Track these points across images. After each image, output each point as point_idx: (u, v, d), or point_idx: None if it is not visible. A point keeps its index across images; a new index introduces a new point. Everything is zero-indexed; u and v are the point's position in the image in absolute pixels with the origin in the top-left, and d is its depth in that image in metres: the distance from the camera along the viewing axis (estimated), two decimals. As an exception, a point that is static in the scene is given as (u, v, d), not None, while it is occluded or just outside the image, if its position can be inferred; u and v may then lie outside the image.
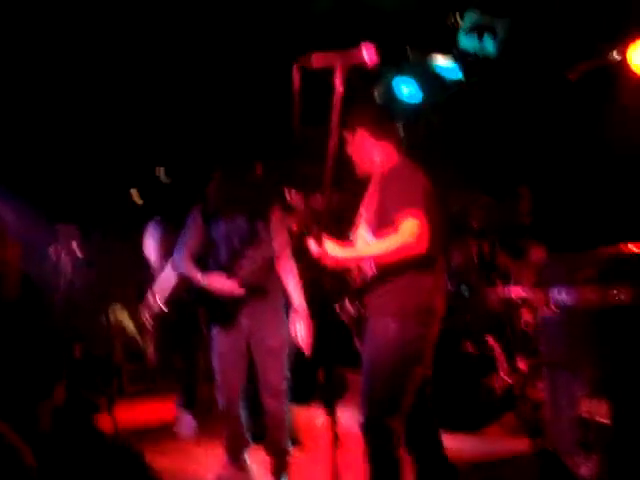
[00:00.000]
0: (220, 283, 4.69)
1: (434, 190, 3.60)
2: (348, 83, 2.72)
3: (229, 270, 4.72)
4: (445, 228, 3.68)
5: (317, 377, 6.50)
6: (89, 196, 8.74)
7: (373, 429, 3.45)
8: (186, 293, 6.48)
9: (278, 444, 4.85)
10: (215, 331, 4.86)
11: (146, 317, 6.80)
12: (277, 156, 4.94)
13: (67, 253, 6.75)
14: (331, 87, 2.71)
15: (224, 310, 4.77)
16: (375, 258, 3.41)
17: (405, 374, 3.45)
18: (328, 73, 2.72)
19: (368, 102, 3.85)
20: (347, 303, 3.70)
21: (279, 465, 4.83)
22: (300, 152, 3.10)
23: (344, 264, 3.65)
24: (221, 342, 4.83)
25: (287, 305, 4.89)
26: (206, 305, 4.92)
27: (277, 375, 4.78)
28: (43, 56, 6.79)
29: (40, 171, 8.77)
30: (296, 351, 5.00)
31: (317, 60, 2.70)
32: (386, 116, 3.85)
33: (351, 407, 4.07)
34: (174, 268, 4.97)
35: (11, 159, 8.23)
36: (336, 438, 2.53)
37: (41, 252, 7.09)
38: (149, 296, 6.63)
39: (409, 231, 3.33)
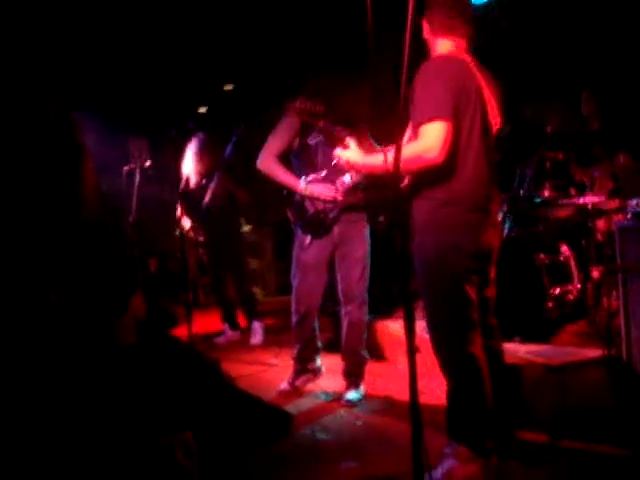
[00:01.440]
0: (322, 189, 4.73)
1: (488, 93, 3.39)
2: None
3: (326, 180, 4.73)
4: (488, 140, 3.37)
5: (394, 291, 6.56)
6: (160, 111, 8.81)
7: (443, 353, 3.41)
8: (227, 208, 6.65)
9: (356, 353, 4.94)
10: (303, 240, 4.90)
11: (190, 233, 6.95)
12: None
13: (139, 169, 6.84)
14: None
15: (317, 217, 4.81)
16: (394, 167, 2.91)
17: (451, 289, 3.30)
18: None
19: None
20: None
21: (356, 373, 4.93)
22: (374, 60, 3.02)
23: (363, 170, 3.59)
24: (309, 251, 4.88)
25: None
26: (297, 209, 4.91)
27: (360, 285, 4.87)
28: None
29: (112, 86, 8.86)
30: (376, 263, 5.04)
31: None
32: (452, 10, 3.40)
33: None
34: (260, 167, 4.90)
35: (82, 75, 8.31)
36: (414, 347, 2.53)
37: (114, 168, 7.20)
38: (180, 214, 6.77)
39: (427, 138, 3.12)
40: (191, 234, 6.99)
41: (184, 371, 4.38)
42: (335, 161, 3.71)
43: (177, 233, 8.20)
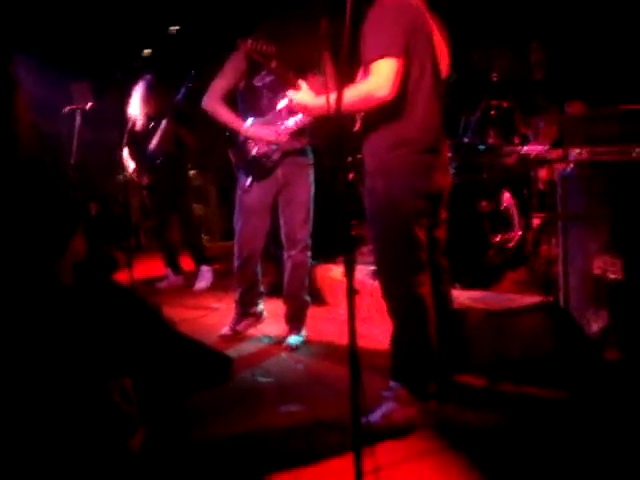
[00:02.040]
0: (265, 131, 4.68)
1: (437, 37, 3.37)
2: None
3: (270, 123, 4.68)
4: (438, 83, 3.37)
5: (336, 235, 6.58)
6: (102, 54, 8.59)
7: (392, 295, 3.44)
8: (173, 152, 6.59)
9: (298, 297, 4.95)
10: (245, 182, 4.85)
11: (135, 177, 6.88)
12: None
13: (81, 112, 6.68)
14: None
15: (259, 160, 4.77)
16: (345, 106, 2.85)
17: (401, 231, 3.31)
18: None
19: None
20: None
21: (297, 317, 4.95)
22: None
23: (313, 112, 3.55)
24: (251, 194, 4.85)
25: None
26: (238, 151, 4.86)
27: (303, 229, 4.86)
28: None
29: (54, 29, 8.61)
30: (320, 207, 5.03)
31: None
32: None
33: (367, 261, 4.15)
34: (205, 107, 4.83)
35: (25, 16, 8.06)
36: (353, 291, 2.53)
37: (55, 111, 7.02)
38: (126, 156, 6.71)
39: (377, 75, 3.08)
40: (135, 177, 6.88)
41: (123, 314, 4.33)
42: (284, 102, 3.66)
43: (120, 177, 8.09)
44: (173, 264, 7.06)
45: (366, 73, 3.18)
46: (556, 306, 4.24)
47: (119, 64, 6.48)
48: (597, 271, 3.96)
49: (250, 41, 4.16)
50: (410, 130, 3.26)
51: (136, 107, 6.81)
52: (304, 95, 3.44)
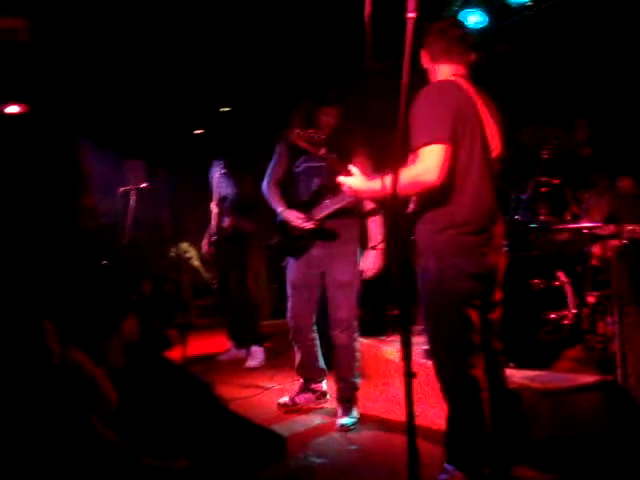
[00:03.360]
0: (293, 215, 4.88)
1: (488, 118, 3.41)
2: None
3: (306, 209, 4.86)
4: (488, 164, 3.39)
5: (388, 313, 6.58)
6: (156, 134, 8.84)
7: (444, 377, 3.41)
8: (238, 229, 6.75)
9: (346, 379, 4.93)
10: (289, 260, 5.08)
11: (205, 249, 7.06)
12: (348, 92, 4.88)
13: (135, 191, 6.85)
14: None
15: (297, 241, 4.94)
16: (395, 190, 2.89)
17: (453, 312, 3.30)
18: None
19: (436, 24, 3.55)
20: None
21: (347, 399, 4.90)
22: (372, 86, 3.03)
23: (365, 195, 3.60)
24: (293, 271, 5.05)
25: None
26: (282, 233, 5.05)
27: (347, 310, 4.89)
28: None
29: (109, 109, 8.90)
30: (369, 287, 5.08)
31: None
32: (452, 38, 3.47)
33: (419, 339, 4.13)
34: (262, 191, 5.18)
35: (81, 98, 8.35)
36: (411, 374, 2.53)
37: (110, 189, 7.21)
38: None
39: (425, 161, 3.14)
40: (204, 249, 7.09)
41: (177, 393, 4.36)
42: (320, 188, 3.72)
43: (173, 254, 8.23)
44: (237, 338, 7.10)
45: (414, 158, 3.23)
46: (615, 385, 4.16)
47: (171, 144, 6.67)
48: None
49: (298, 131, 4.29)
50: (459, 212, 3.29)
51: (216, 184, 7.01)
52: (356, 180, 3.49)
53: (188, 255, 9.39)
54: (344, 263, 4.90)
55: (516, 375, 4.46)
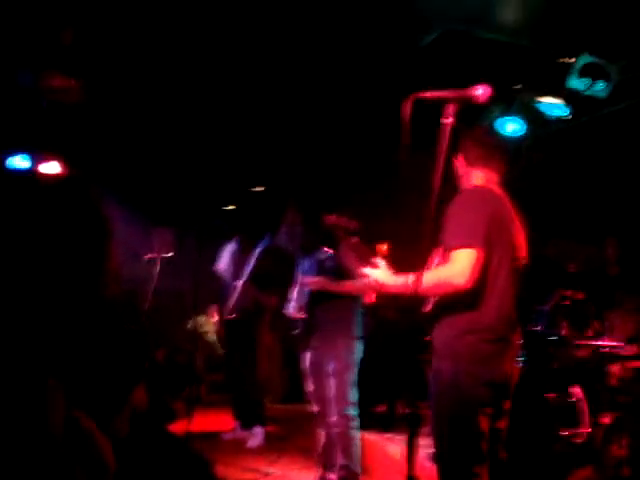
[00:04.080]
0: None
1: (517, 227, 3.41)
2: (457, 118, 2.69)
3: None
4: (515, 272, 3.37)
5: (394, 408, 6.51)
6: (188, 204, 8.96)
7: (445, 477, 3.30)
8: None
9: (348, 466, 4.93)
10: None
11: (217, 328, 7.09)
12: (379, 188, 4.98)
13: (160, 259, 6.92)
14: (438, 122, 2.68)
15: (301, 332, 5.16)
16: (422, 289, 3.03)
17: (464, 419, 3.22)
18: (437, 109, 2.69)
19: (474, 130, 3.63)
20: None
21: None
22: (405, 184, 3.06)
23: (388, 290, 3.59)
24: (302, 358, 5.23)
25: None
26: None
27: (334, 399, 4.98)
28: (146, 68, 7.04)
29: (144, 176, 9.08)
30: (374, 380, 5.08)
31: (431, 94, 2.68)
32: (490, 145, 3.57)
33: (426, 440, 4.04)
34: None
35: (113, 164, 8.53)
36: (413, 475, 2.48)
37: (137, 255, 7.29)
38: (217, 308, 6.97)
39: (457, 264, 3.14)
40: (217, 327, 7.13)
41: (175, 468, 4.30)
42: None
43: (189, 326, 8.22)
44: (243, 418, 7.02)
45: (445, 258, 3.23)
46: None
47: (199, 217, 6.76)
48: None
49: (335, 216, 4.36)
50: (482, 318, 3.25)
51: (225, 266, 7.04)
52: (381, 273, 3.48)
53: (205, 329, 9.38)
54: (331, 353, 5.02)
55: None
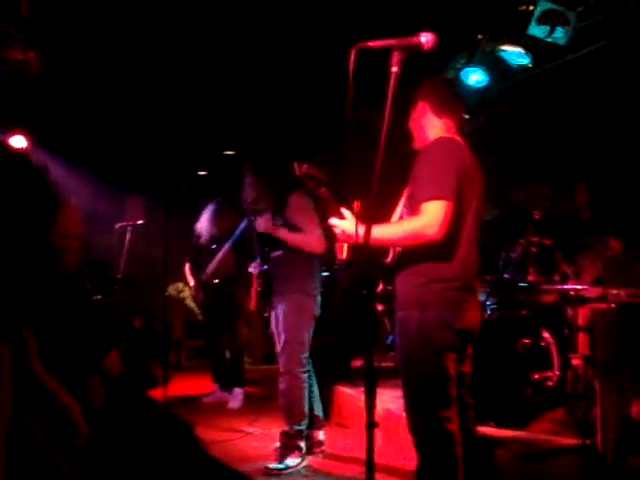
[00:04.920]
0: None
1: (478, 177, 3.42)
2: (406, 67, 2.69)
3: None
4: (478, 222, 3.40)
5: (349, 362, 6.64)
6: (160, 171, 8.93)
7: (420, 430, 3.35)
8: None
9: (286, 424, 4.99)
10: None
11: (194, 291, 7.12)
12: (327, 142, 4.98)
13: (132, 228, 6.91)
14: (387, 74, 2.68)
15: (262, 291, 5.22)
16: (391, 240, 3.11)
17: (433, 365, 3.27)
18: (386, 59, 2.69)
19: (436, 78, 3.64)
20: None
21: (284, 445, 4.97)
22: (353, 135, 3.06)
23: (354, 240, 3.58)
24: (270, 320, 5.19)
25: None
26: None
27: (282, 356, 4.98)
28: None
29: (116, 144, 9.03)
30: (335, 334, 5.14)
31: (375, 43, 2.66)
32: (452, 94, 3.60)
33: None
34: None
35: (84, 132, 8.47)
36: (373, 424, 2.53)
37: (107, 224, 7.27)
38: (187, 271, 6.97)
39: (428, 215, 3.15)
40: (194, 292, 7.14)
41: (154, 432, 4.32)
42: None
43: (166, 294, 8.22)
44: (221, 380, 7.09)
45: (416, 210, 3.24)
46: (593, 450, 4.12)
47: (168, 183, 6.73)
48: (636, 416, 3.86)
49: (306, 165, 4.34)
50: (450, 267, 3.29)
51: (203, 226, 7.03)
52: (348, 224, 3.46)
53: (183, 295, 9.40)
54: (280, 312, 5.01)
55: (494, 434, 4.43)
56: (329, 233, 4.31)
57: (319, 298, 5.10)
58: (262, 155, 5.27)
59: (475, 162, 3.47)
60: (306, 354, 5.00)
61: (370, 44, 2.62)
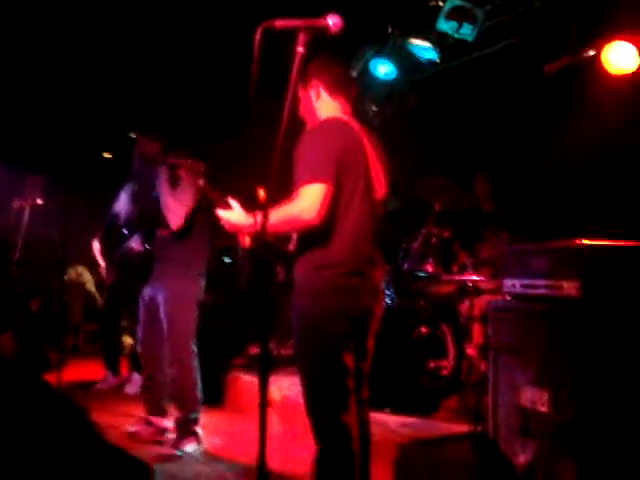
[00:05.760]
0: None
1: (372, 161, 3.37)
2: (313, 49, 2.69)
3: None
4: (370, 205, 3.35)
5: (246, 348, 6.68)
6: (59, 149, 8.71)
7: (316, 420, 3.31)
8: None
9: (179, 412, 4.97)
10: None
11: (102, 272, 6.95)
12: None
13: (30, 206, 6.70)
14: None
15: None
16: (272, 227, 2.92)
17: (327, 354, 3.23)
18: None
19: (327, 56, 3.55)
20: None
21: (180, 432, 4.96)
22: (258, 120, 3.02)
23: (245, 230, 3.48)
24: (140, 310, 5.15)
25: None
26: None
27: (171, 343, 4.91)
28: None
29: (13, 123, 8.75)
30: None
31: (280, 23, 2.63)
32: (346, 72, 3.57)
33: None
34: None
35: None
36: (266, 404, 2.53)
37: (5, 203, 7.04)
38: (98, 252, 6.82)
39: (304, 199, 3.09)
40: (102, 274, 6.94)
41: (47, 416, 4.21)
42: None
43: (65, 277, 8.02)
44: (113, 366, 6.97)
45: (294, 195, 3.17)
46: (484, 436, 4.22)
47: (69, 164, 6.57)
48: (525, 403, 3.97)
49: (179, 156, 4.27)
50: (336, 252, 3.24)
51: (122, 206, 6.85)
52: (234, 214, 3.40)
53: (82, 279, 9.18)
54: (160, 296, 4.94)
55: (390, 421, 4.50)
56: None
57: (203, 282, 5.02)
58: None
59: (371, 146, 3.40)
60: (193, 340, 4.93)
61: (276, 24, 2.60)
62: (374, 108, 6.98)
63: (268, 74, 2.71)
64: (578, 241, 3.74)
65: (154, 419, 5.16)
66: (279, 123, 2.70)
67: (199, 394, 4.95)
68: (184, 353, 4.87)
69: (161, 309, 4.89)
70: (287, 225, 3.19)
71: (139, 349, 5.15)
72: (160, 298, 4.91)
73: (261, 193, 4.69)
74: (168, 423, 5.17)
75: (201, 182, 4.18)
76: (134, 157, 5.19)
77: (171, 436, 5.08)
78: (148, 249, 5.02)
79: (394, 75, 6.88)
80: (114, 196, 6.92)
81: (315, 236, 3.22)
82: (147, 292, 5.04)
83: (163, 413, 5.19)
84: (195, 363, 4.93)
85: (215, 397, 6.03)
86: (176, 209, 4.77)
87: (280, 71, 2.92)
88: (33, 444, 3.66)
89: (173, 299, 4.86)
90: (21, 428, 3.78)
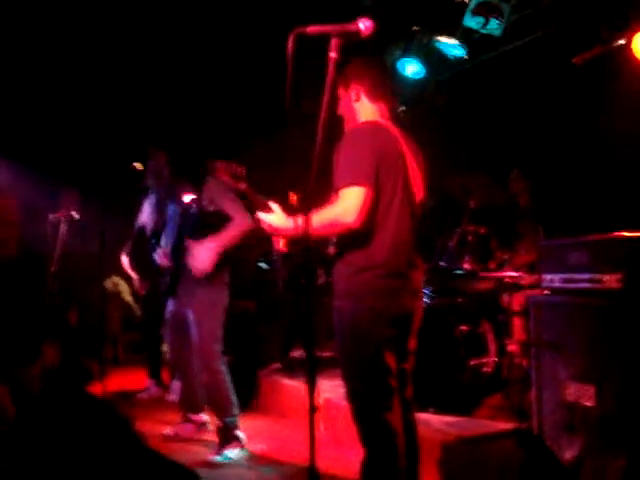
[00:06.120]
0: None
1: (412, 164, 3.39)
2: (345, 54, 2.69)
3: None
4: (410, 207, 3.37)
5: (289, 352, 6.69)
6: (94, 164, 8.80)
7: (362, 420, 3.33)
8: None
9: (219, 418, 4.98)
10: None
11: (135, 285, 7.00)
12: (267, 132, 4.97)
13: (66, 219, 6.78)
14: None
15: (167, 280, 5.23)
16: (313, 230, 2.94)
17: (369, 355, 3.24)
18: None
19: (370, 59, 3.56)
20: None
21: (223, 438, 4.97)
22: (294, 124, 3.02)
23: (285, 233, 3.53)
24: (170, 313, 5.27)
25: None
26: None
27: (199, 348, 4.98)
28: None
29: (48, 137, 8.86)
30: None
31: (313, 29, 2.65)
32: (387, 77, 3.58)
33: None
34: None
35: (18, 123, 8.29)
36: (314, 407, 2.54)
37: (42, 216, 7.11)
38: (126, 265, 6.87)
39: (344, 202, 3.11)
40: (136, 286, 6.99)
41: (92, 426, 4.26)
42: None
43: (105, 287, 8.08)
44: (157, 376, 7.03)
45: (335, 198, 3.19)
46: (529, 433, 4.20)
47: (106, 176, 6.63)
48: (570, 398, 3.94)
49: (221, 162, 4.28)
50: (376, 254, 3.25)
51: (147, 216, 6.90)
52: (275, 217, 3.40)
53: (119, 289, 9.26)
54: (193, 301, 5.02)
55: (434, 420, 4.49)
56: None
57: (227, 290, 5.10)
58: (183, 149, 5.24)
59: (408, 148, 3.41)
60: (220, 346, 5.00)
61: (309, 30, 2.61)
62: (403, 108, 6.95)
63: (303, 76, 2.71)
64: (617, 233, 3.71)
65: (192, 416, 5.31)
66: (314, 128, 2.71)
67: (233, 397, 4.99)
68: (212, 360, 4.94)
69: (189, 317, 5.01)
70: (328, 228, 3.19)
71: (169, 356, 5.35)
72: (187, 306, 5.03)
73: (293, 197, 4.72)
74: (205, 417, 5.32)
75: (243, 186, 4.19)
76: (147, 173, 5.29)
77: (211, 428, 5.21)
78: (174, 263, 5.04)
79: (422, 74, 6.87)
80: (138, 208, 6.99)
81: (355, 239, 3.23)
82: (174, 300, 5.17)
83: (199, 409, 5.33)
84: (223, 367, 4.99)
85: (256, 402, 6.07)
86: (242, 211, 4.86)
87: (316, 73, 2.92)
88: (81, 454, 3.71)
89: (205, 308, 4.95)
90: (69, 438, 3.83)
